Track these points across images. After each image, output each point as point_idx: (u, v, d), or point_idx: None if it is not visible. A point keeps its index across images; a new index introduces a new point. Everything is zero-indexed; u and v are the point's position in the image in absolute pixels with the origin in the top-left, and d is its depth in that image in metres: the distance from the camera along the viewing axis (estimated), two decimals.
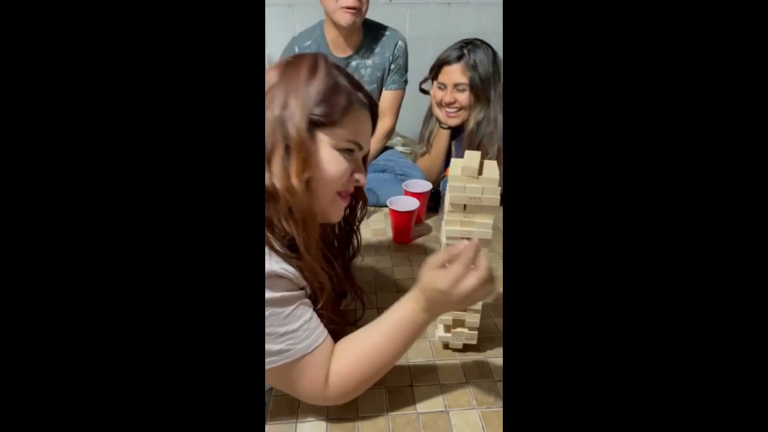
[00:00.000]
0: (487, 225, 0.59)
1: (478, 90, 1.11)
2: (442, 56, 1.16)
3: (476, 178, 0.57)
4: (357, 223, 0.73)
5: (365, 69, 1.31)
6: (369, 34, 1.30)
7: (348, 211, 0.69)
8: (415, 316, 0.55)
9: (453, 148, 1.25)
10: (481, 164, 0.59)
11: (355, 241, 0.74)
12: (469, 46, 1.12)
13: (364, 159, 0.65)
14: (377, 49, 1.31)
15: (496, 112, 1.12)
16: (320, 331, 0.55)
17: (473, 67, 1.10)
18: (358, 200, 0.69)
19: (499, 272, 0.91)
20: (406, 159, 1.35)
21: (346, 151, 0.58)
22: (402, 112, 1.41)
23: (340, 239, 0.73)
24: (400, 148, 1.55)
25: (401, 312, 0.56)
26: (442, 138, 1.23)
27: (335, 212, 0.62)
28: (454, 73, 1.13)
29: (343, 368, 0.55)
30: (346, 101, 0.57)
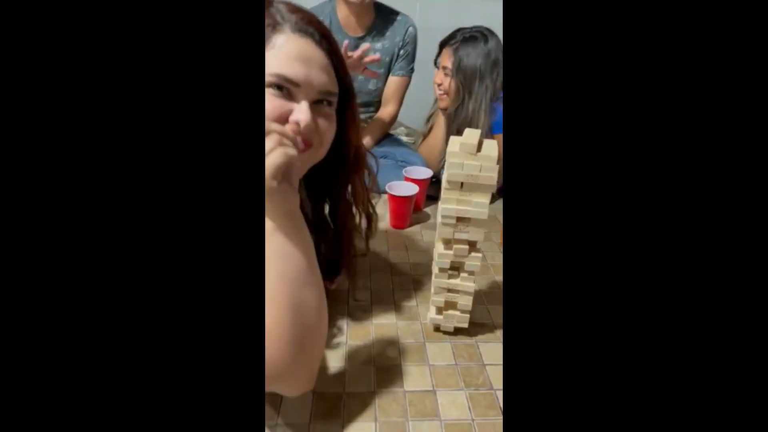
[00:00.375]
0: (483, 205, 0.59)
1: (458, 79, 1.12)
2: (447, 36, 1.18)
3: (474, 155, 0.56)
4: (351, 196, 0.68)
5: (374, 53, 1.30)
6: (380, 16, 1.29)
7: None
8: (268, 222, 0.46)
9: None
10: (480, 142, 0.59)
11: (361, 216, 0.70)
12: (468, 34, 1.13)
13: (348, 115, 0.58)
14: (388, 33, 1.30)
15: (479, 105, 1.11)
16: None
17: (458, 56, 1.12)
18: (359, 170, 0.65)
19: (498, 262, 0.91)
20: (407, 146, 1.35)
21: (274, 88, 0.49)
22: (407, 104, 1.40)
23: (332, 211, 0.69)
24: (404, 138, 1.54)
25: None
26: (440, 119, 1.24)
27: None
28: (446, 56, 1.15)
29: (268, 323, 0.45)
30: (266, 24, 0.49)
